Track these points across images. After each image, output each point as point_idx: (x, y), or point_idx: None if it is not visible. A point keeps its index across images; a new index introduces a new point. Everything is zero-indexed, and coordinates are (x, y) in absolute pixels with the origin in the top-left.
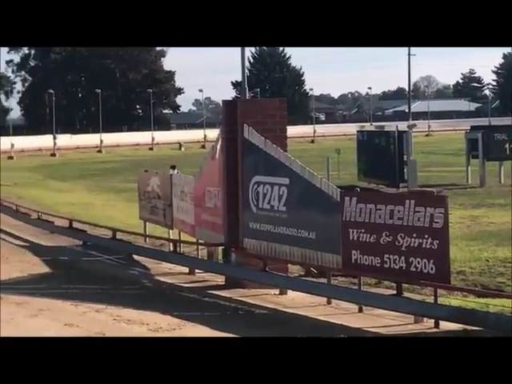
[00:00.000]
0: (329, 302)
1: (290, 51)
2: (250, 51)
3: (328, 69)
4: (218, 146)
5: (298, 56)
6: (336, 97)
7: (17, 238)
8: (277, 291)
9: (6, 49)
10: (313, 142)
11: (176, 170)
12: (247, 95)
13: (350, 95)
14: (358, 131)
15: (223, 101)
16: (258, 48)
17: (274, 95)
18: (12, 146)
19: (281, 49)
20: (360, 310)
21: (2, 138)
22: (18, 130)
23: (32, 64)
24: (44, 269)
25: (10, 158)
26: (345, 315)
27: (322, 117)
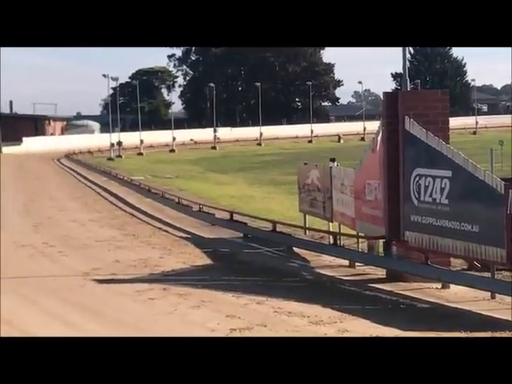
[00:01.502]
0: (493, 297)
1: None
2: None
3: (490, 59)
4: (379, 139)
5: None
6: (499, 87)
7: (179, 229)
8: (439, 285)
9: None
10: (475, 133)
11: (335, 163)
12: (408, 87)
13: None
14: None
15: (384, 93)
16: None
17: (435, 86)
18: (174, 139)
19: None
20: None
21: (164, 131)
22: (180, 124)
23: (193, 58)
24: (206, 260)
25: (172, 151)
26: (509, 310)
27: (485, 108)
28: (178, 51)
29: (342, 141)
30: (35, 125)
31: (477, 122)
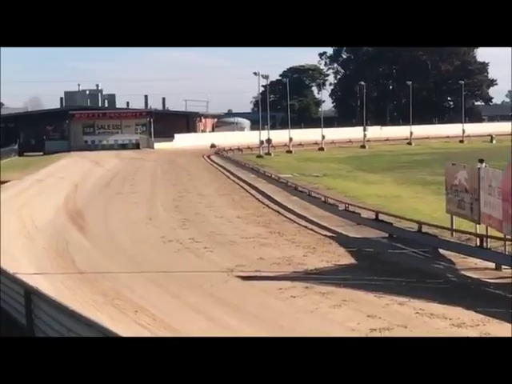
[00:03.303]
0: None
1: None
2: None
3: None
4: None
5: None
6: None
7: (324, 228)
8: None
9: None
10: None
11: (484, 164)
12: None
13: None
14: None
15: None
16: None
17: None
18: (323, 137)
19: None
20: None
21: (314, 129)
22: (329, 122)
23: (344, 57)
24: (349, 260)
25: (321, 149)
26: None
27: None
28: (329, 49)
29: (494, 141)
30: (187, 121)
31: None
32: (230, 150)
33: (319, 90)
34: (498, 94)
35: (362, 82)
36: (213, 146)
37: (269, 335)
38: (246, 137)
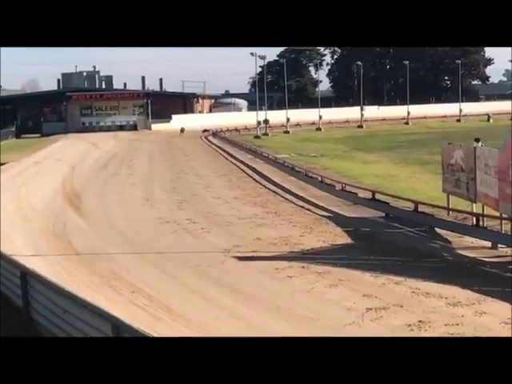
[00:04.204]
0: None
1: None
2: None
3: None
4: None
5: None
6: None
7: (321, 208)
8: None
9: None
10: None
11: (480, 143)
12: None
13: None
14: None
15: None
16: None
17: None
18: (320, 117)
19: None
20: None
21: (311, 109)
22: (326, 102)
23: None
24: (346, 239)
25: (318, 129)
26: None
27: None
28: None
29: (491, 120)
30: (184, 102)
31: None
32: (228, 130)
33: (316, 69)
34: (494, 73)
35: (359, 62)
36: (205, 130)
37: (265, 315)
38: (244, 117)
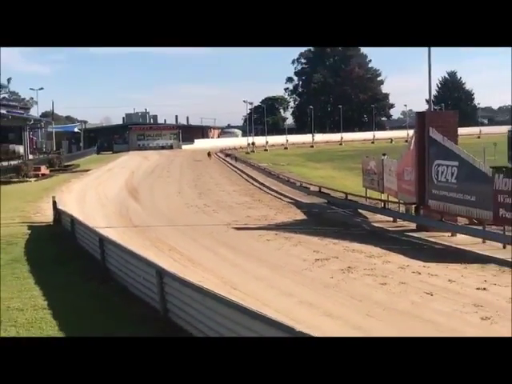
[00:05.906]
0: (484, 242)
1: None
2: (438, 79)
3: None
4: (413, 141)
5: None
6: (496, 108)
7: (288, 197)
8: (449, 234)
9: (286, 76)
10: (479, 137)
11: (386, 156)
12: (432, 108)
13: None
14: (508, 131)
15: (416, 112)
16: (446, 76)
17: (453, 108)
18: (287, 141)
19: (459, 78)
20: (504, 247)
21: (281, 136)
22: (291, 131)
23: (300, 90)
24: (302, 216)
25: (285, 148)
26: (494, 250)
27: (486, 121)
28: (290, 85)
29: (393, 142)
30: (202, 132)
31: (480, 131)
32: (229, 149)
33: (284, 111)
34: (395, 113)
35: (311, 106)
36: (209, 154)
37: (253, 264)
38: (239, 141)
